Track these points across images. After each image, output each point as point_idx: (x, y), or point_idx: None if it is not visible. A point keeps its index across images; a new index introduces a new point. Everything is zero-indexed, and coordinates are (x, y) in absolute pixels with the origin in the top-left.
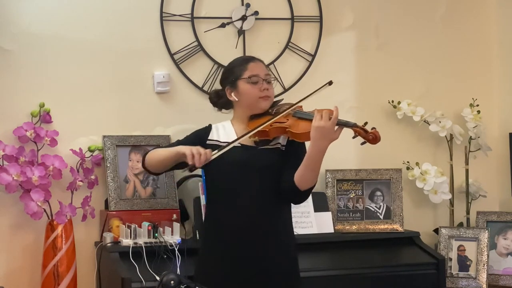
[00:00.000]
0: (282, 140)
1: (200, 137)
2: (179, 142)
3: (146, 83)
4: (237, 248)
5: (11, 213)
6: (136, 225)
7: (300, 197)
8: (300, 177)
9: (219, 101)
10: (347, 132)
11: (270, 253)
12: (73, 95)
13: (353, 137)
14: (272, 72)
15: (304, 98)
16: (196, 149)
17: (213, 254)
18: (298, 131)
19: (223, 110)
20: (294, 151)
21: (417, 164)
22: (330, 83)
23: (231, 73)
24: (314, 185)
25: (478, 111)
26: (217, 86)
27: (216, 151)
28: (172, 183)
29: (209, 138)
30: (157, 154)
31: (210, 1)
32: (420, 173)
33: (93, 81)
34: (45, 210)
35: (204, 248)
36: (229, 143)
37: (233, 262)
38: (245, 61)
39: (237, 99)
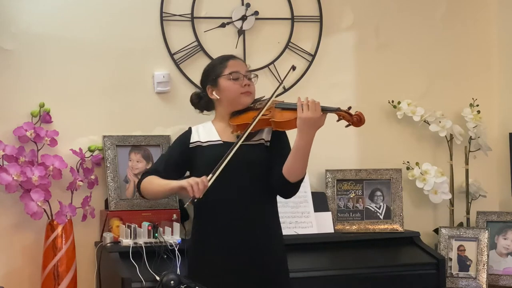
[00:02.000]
0: (266, 135)
1: (182, 143)
2: (164, 157)
3: (146, 83)
4: (225, 246)
5: (11, 213)
6: (136, 225)
7: (290, 189)
8: (289, 169)
9: (200, 102)
10: (346, 131)
11: (258, 249)
12: (73, 95)
13: (337, 121)
14: (273, 72)
15: (277, 88)
16: (193, 180)
17: (201, 252)
18: (281, 119)
19: (205, 112)
20: (280, 145)
21: (417, 164)
22: (293, 68)
23: (211, 72)
24: (304, 177)
25: (478, 111)
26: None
27: (210, 175)
28: None
29: (191, 141)
30: (152, 189)
31: (210, 1)
32: (420, 173)
33: (93, 81)
34: (45, 210)
35: (193, 246)
36: (223, 160)
37: (222, 259)
38: (224, 59)
39: (218, 97)
